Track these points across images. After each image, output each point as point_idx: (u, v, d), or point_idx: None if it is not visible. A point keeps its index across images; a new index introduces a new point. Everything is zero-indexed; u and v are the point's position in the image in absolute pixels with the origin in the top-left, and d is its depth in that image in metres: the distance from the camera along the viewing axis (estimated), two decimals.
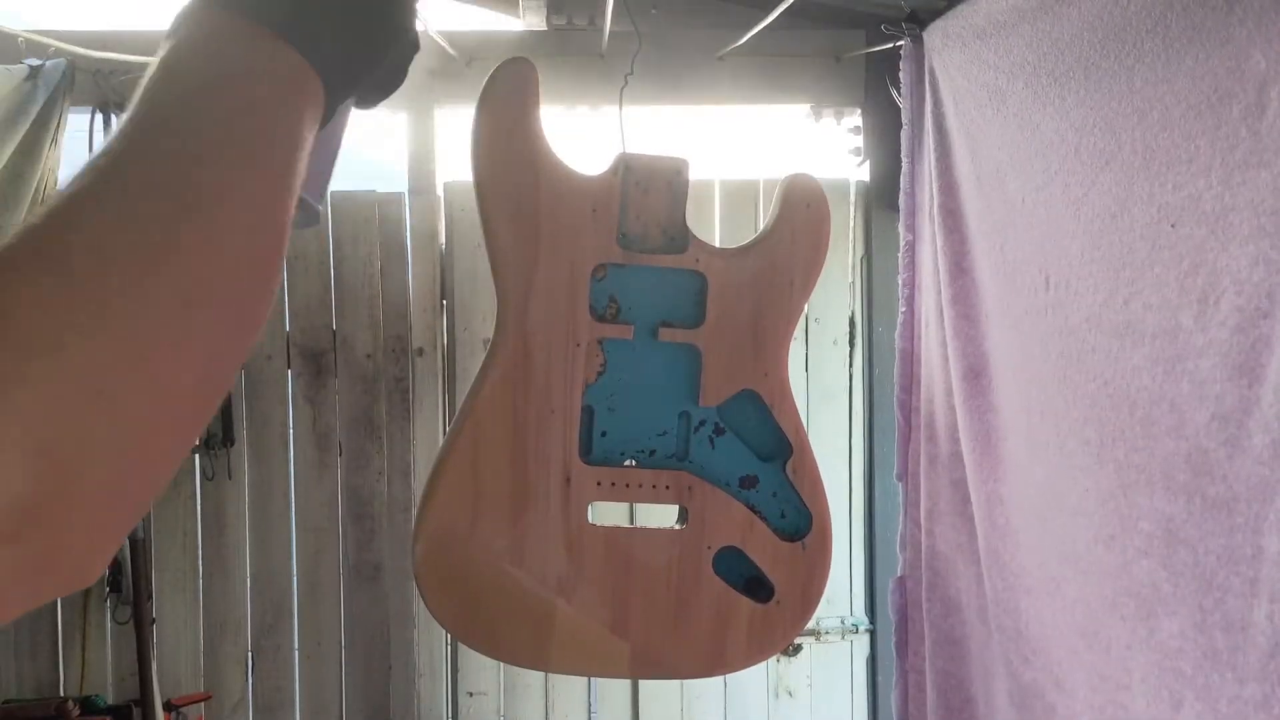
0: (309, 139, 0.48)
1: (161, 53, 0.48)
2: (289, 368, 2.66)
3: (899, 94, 2.12)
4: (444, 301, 2.68)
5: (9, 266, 0.38)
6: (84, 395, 0.37)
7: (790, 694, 2.82)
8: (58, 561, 0.38)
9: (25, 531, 0.35)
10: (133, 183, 0.42)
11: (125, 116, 0.44)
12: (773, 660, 2.76)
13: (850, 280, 2.79)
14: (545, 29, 2.71)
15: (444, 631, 2.57)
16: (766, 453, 2.07)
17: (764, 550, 2.04)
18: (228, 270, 0.43)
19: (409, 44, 0.56)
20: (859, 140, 2.79)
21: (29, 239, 0.39)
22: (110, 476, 0.38)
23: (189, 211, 0.42)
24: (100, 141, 2.48)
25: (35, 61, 2.34)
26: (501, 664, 2.67)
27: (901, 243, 2.13)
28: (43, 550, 0.37)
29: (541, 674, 2.71)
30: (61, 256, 0.38)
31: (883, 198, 2.69)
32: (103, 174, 0.42)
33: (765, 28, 2.30)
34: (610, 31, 2.42)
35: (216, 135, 0.44)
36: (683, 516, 2.05)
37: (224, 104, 0.45)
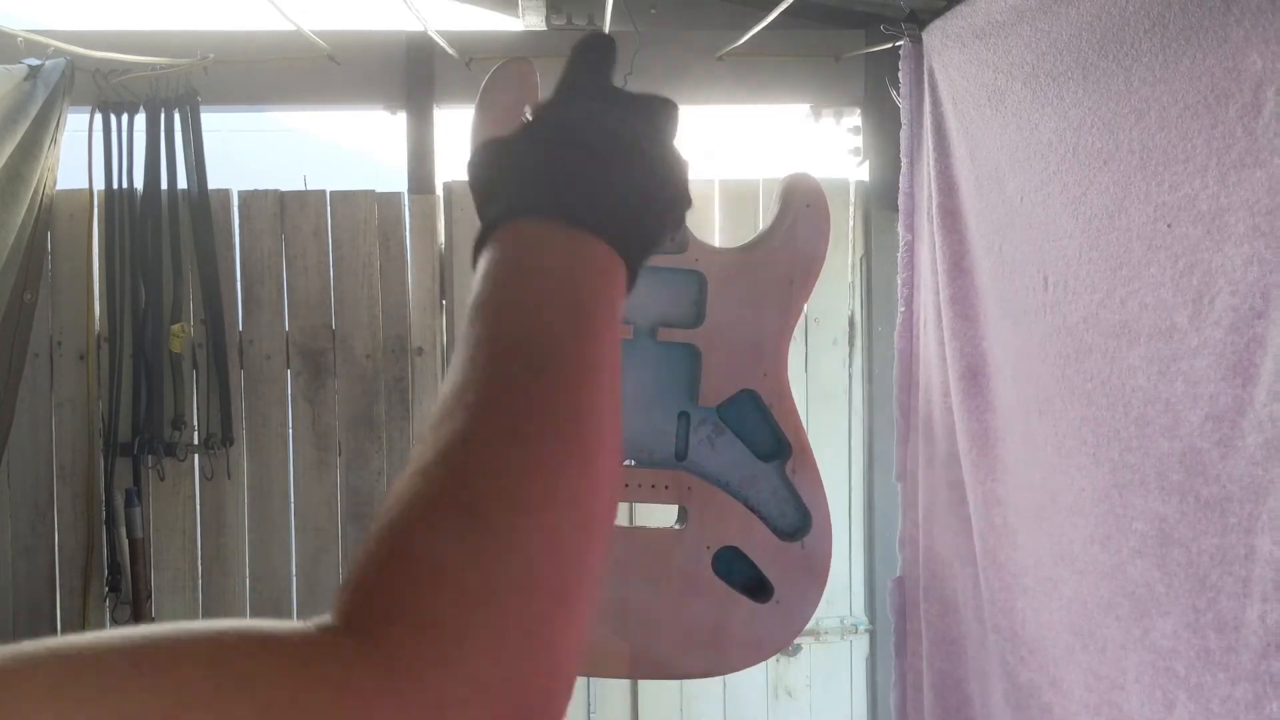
0: (619, 313, 0.53)
1: (485, 266, 0.51)
2: (288, 367, 2.66)
3: (898, 94, 2.12)
4: (443, 301, 2.68)
5: (432, 510, 0.42)
6: (528, 636, 0.41)
7: (790, 694, 2.82)
8: None
9: None
10: (515, 420, 0.45)
11: (472, 340, 0.48)
12: (772, 660, 2.76)
13: (850, 280, 2.79)
14: (545, 29, 2.72)
15: None
16: (766, 452, 2.07)
17: (764, 550, 2.04)
18: (606, 476, 0.46)
19: (685, 210, 0.60)
20: (858, 140, 2.79)
21: (437, 490, 0.43)
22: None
23: (569, 442, 0.45)
24: (99, 141, 2.49)
25: (35, 61, 2.34)
26: None
27: (901, 243, 2.13)
28: None
29: None
30: (475, 510, 0.42)
31: (882, 198, 2.69)
32: (485, 413, 0.45)
33: (765, 28, 2.30)
34: (610, 31, 2.42)
35: (569, 348, 0.48)
36: (682, 516, 2.05)
37: (568, 315, 0.49)
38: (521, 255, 0.51)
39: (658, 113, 0.61)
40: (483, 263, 0.51)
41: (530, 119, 0.58)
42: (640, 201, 0.55)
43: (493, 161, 0.57)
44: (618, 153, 0.55)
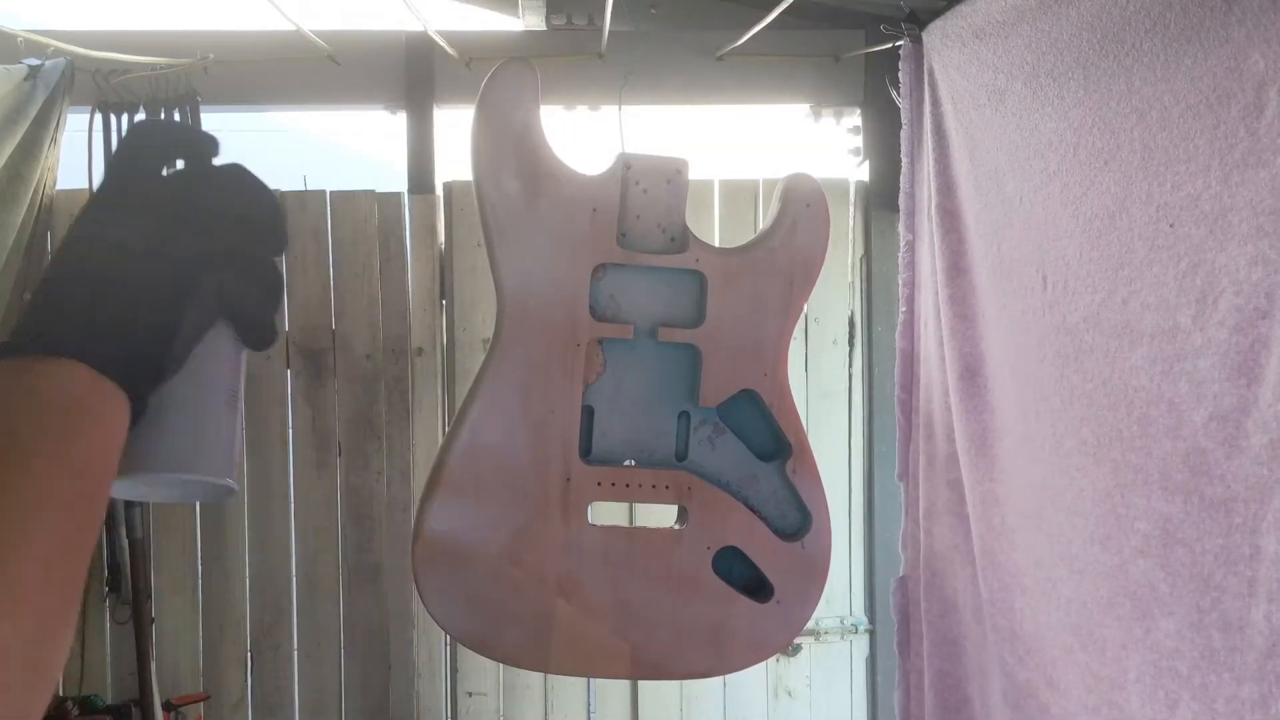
0: (117, 441, 0.50)
1: None
2: (288, 368, 2.66)
3: (898, 94, 2.12)
4: (443, 301, 2.68)
5: None
6: None
7: (790, 694, 2.82)
8: None
9: None
10: None
11: None
12: (772, 660, 2.75)
13: (850, 280, 2.79)
14: (545, 29, 2.72)
15: (443, 632, 2.57)
16: (766, 453, 2.07)
17: (764, 550, 2.04)
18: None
19: (207, 317, 0.56)
20: (858, 140, 2.79)
21: None
22: None
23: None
24: (99, 141, 2.49)
25: (35, 61, 2.34)
26: (501, 664, 2.67)
27: (901, 243, 2.13)
28: None
29: (541, 674, 2.71)
30: None
31: (882, 198, 2.69)
32: None
33: (765, 28, 2.30)
34: (610, 31, 2.42)
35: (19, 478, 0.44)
36: (682, 516, 2.05)
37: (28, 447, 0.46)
38: None
39: (181, 203, 0.56)
40: None
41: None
42: (104, 315, 0.52)
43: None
44: (86, 255, 0.53)
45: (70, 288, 0.53)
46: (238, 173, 0.58)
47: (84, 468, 0.47)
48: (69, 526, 0.46)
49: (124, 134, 0.60)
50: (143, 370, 0.52)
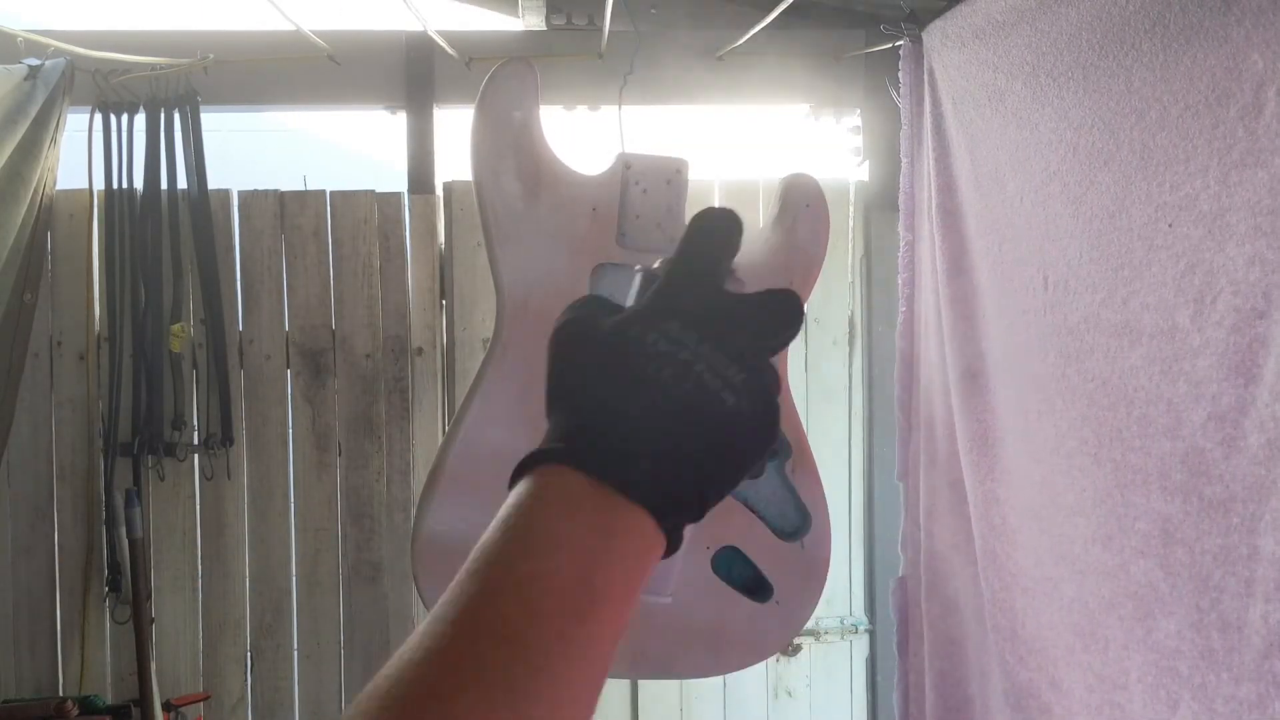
0: (646, 579, 0.49)
1: (505, 506, 0.48)
2: (288, 367, 2.66)
3: (898, 94, 2.12)
4: (443, 301, 2.68)
5: None
6: None
7: (790, 694, 2.82)
8: None
9: None
10: (489, 657, 0.42)
11: (457, 591, 0.45)
12: (772, 660, 2.76)
13: (850, 280, 2.79)
14: (545, 29, 2.72)
15: None
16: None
17: (763, 550, 2.04)
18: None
19: (761, 467, 0.54)
20: (858, 140, 2.79)
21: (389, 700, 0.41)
22: None
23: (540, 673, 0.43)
24: (99, 141, 2.49)
25: (35, 61, 2.34)
26: None
27: (901, 243, 2.13)
28: None
29: None
30: None
31: (882, 198, 2.69)
32: (457, 649, 0.43)
33: (765, 28, 2.30)
34: (610, 31, 2.42)
35: (556, 628, 0.44)
36: None
37: (568, 593, 0.45)
38: (536, 511, 0.47)
39: (766, 339, 0.52)
40: (510, 497, 0.48)
41: (621, 321, 0.52)
42: (701, 468, 0.49)
43: (566, 357, 0.53)
44: (695, 402, 0.48)
45: (648, 420, 0.48)
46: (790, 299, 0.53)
47: (626, 624, 0.47)
48: (601, 673, 0.46)
49: (708, 220, 0.56)
50: (692, 520, 0.50)
